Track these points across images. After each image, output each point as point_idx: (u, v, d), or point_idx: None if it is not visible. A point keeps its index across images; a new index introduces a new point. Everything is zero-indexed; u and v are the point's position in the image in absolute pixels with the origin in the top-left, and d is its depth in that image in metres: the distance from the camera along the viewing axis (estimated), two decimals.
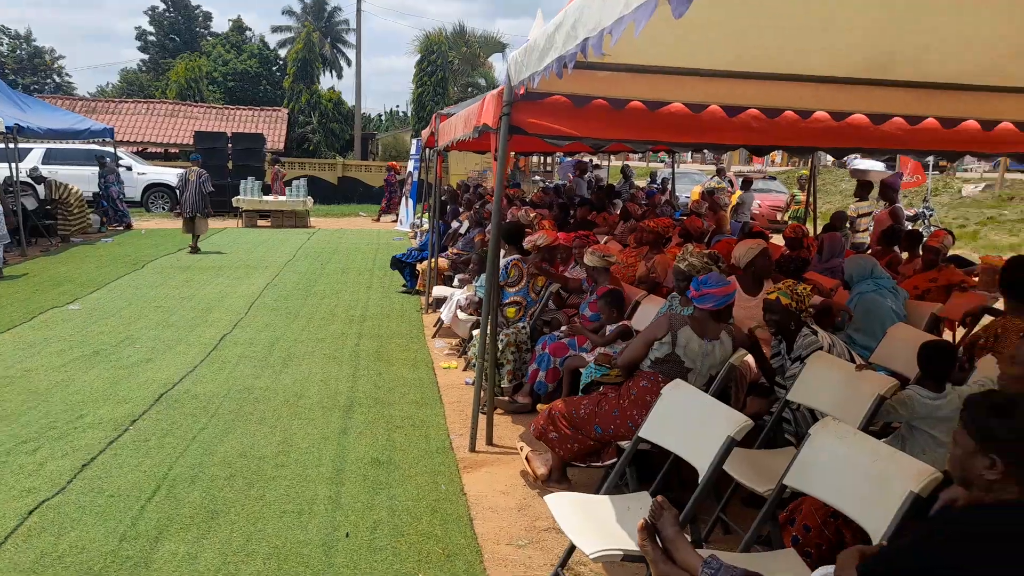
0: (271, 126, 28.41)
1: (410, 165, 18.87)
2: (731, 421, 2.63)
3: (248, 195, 17.95)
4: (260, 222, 18.15)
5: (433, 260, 9.02)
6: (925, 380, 3.36)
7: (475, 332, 6.05)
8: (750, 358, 4.22)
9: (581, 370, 4.98)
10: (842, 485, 2.38)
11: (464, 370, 6.52)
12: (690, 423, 2.85)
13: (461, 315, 6.70)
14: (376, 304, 9.33)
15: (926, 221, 16.66)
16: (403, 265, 10.34)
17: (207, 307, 8.82)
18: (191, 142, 22.51)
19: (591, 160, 18.61)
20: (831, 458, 2.47)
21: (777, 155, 38.02)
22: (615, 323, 4.94)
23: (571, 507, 2.89)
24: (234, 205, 18.18)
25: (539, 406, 5.27)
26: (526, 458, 4.18)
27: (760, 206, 18.86)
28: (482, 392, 4.80)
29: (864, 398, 3.17)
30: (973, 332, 4.31)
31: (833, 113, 4.55)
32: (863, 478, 2.32)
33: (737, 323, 4.13)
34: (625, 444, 3.65)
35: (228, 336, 7.46)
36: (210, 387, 5.83)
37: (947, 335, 5.56)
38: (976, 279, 6.22)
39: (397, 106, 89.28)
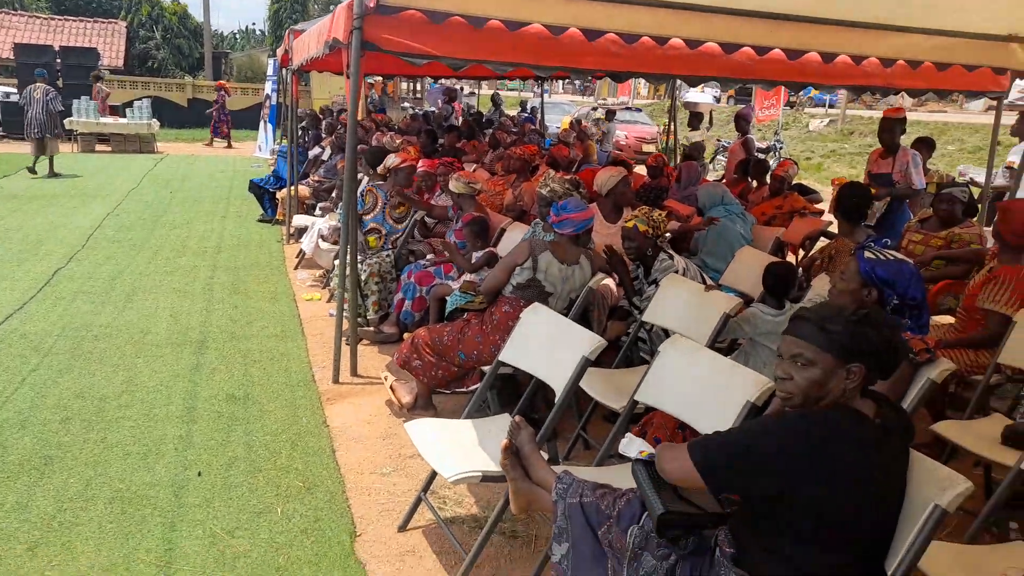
0: (107, 40, 25.76)
1: (267, 87, 17.74)
2: (585, 342, 2.67)
3: (83, 117, 16.29)
4: (99, 147, 16.58)
5: (293, 188, 8.59)
6: (768, 298, 3.57)
7: (338, 262, 5.85)
8: (610, 282, 4.34)
9: (448, 298, 4.94)
10: (687, 398, 2.49)
11: (328, 302, 6.33)
12: (547, 345, 2.88)
13: (323, 245, 6.45)
14: (232, 235, 8.82)
15: (777, 153, 17.67)
16: (261, 192, 9.79)
17: (37, 240, 8.00)
18: (12, 56, 20.03)
19: (461, 87, 18.24)
20: (678, 373, 2.57)
21: (643, 87, 38.87)
22: (481, 251, 4.91)
23: (432, 433, 2.88)
24: (67, 128, 16.46)
25: (406, 335, 5.20)
26: (391, 387, 4.13)
27: (627, 137, 19.30)
28: (344, 322, 4.67)
29: (712, 317, 3.32)
30: (811, 254, 4.62)
31: (688, 41, 4.61)
32: (706, 390, 2.44)
33: (597, 249, 4.21)
34: (488, 369, 3.68)
35: (63, 270, 6.83)
36: (42, 325, 5.33)
37: (790, 258, 5.95)
38: (818, 206, 6.67)
39: (253, 24, 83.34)
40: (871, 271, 2.54)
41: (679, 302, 3.55)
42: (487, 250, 4.91)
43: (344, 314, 4.71)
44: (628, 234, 4.02)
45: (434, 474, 2.98)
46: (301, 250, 7.32)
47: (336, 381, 4.59)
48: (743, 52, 4.75)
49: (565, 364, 2.69)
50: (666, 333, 4.03)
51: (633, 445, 2.09)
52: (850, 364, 1.78)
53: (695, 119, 11.88)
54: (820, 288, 3.66)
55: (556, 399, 2.69)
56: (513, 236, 5.15)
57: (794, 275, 3.55)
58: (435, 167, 6.40)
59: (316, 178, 9.12)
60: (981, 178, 7.50)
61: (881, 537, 1.72)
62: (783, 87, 19.37)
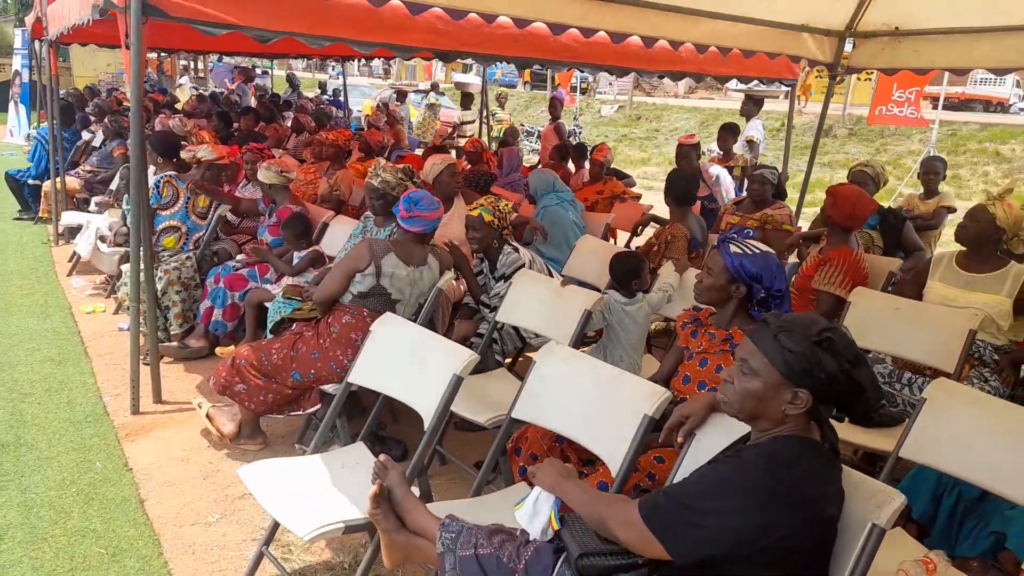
0: None
1: (16, 62, 15.27)
2: (455, 357, 2.35)
3: None
4: None
5: (59, 179, 7.33)
6: (618, 288, 3.46)
7: (125, 268, 5.00)
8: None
9: (266, 304, 4.36)
10: (573, 413, 2.27)
11: (116, 313, 5.42)
12: (407, 362, 2.52)
13: (103, 247, 5.51)
14: None
15: (577, 138, 18.34)
16: (18, 185, 8.28)
17: None
18: None
19: (254, 66, 16.88)
20: (559, 385, 2.34)
21: (440, 71, 38.56)
22: (303, 251, 4.38)
23: (273, 477, 2.42)
24: None
25: (219, 349, 4.55)
26: (207, 416, 3.54)
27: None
28: (141, 338, 3.94)
29: (571, 314, 3.14)
30: (647, 240, 4.62)
31: (517, 20, 4.39)
32: (594, 404, 2.22)
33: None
34: (331, 388, 3.23)
35: None
36: None
37: (618, 243, 6.00)
38: (633, 190, 6.81)
39: None
40: (739, 266, 2.46)
41: (534, 300, 3.33)
42: (311, 249, 4.39)
43: (141, 327, 3.97)
44: (473, 224, 3.73)
45: (277, 524, 2.52)
46: (75, 253, 6.24)
47: (136, 411, 3.87)
48: (569, 35, 4.62)
49: (431, 383, 2.35)
50: (517, 332, 3.82)
51: (538, 518, 1.79)
52: (798, 388, 1.60)
53: (466, 99, 12.46)
54: (667, 276, 3.62)
55: (426, 425, 2.34)
56: (337, 232, 4.67)
57: (643, 264, 3.47)
58: (238, 154, 5.69)
59: (88, 168, 7.87)
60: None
61: (823, 563, 1.59)
62: (576, 71, 20.13)
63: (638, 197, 6.75)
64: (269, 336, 3.78)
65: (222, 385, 3.30)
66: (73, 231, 6.91)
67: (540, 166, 8.79)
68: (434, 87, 14.76)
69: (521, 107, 29.52)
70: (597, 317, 3.20)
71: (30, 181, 8.15)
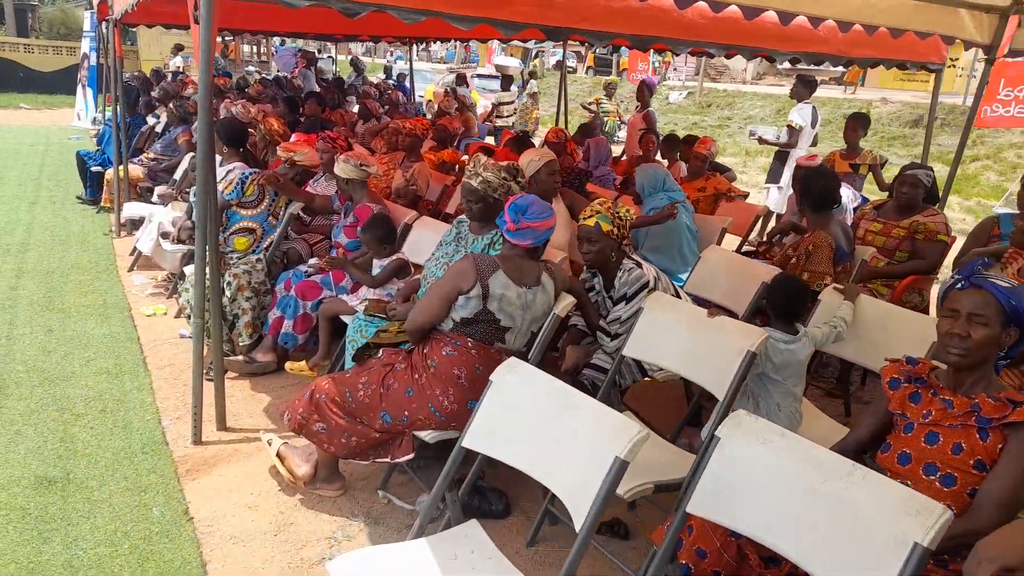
0: None
1: (84, 45, 15.22)
2: (614, 430, 1.75)
3: None
4: None
5: (122, 167, 6.97)
6: (776, 322, 2.80)
7: (188, 270, 4.55)
8: None
9: (343, 318, 3.84)
10: (765, 508, 1.64)
11: (177, 316, 4.99)
12: (544, 428, 1.93)
13: (166, 244, 5.08)
14: (44, 226, 7.08)
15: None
16: (85, 166, 8.00)
17: None
18: None
19: (317, 50, 16.51)
20: (747, 471, 1.72)
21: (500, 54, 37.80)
22: (387, 257, 3.83)
23: (370, 573, 1.87)
24: None
25: (288, 364, 4.05)
26: (278, 455, 3.03)
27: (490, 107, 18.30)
28: (205, 350, 3.44)
29: (726, 353, 2.51)
30: (783, 251, 3.94)
31: None
32: (797, 497, 1.60)
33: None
34: (427, 434, 2.68)
35: None
36: None
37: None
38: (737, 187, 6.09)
39: None
40: (1018, 306, 1.82)
41: (673, 332, 2.71)
42: (395, 257, 3.84)
43: (205, 341, 3.48)
44: (589, 235, 3.12)
45: None
46: (136, 248, 5.86)
47: (197, 440, 3.39)
48: (696, 9, 3.93)
49: (581, 464, 1.76)
50: (638, 362, 3.20)
51: None
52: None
53: (506, 81, 12.28)
54: (833, 304, 2.95)
55: (576, 524, 1.75)
56: (422, 237, 4.11)
57: (807, 292, 2.81)
58: (314, 143, 5.18)
59: (151, 155, 7.51)
60: (770, 136, 8.15)
61: None
62: (652, 55, 19.18)
63: (745, 195, 6.03)
64: (351, 364, 3.24)
65: (298, 423, 2.77)
66: (135, 223, 6.56)
67: (623, 158, 8.13)
68: (532, 74, 14.28)
69: (584, 93, 28.71)
70: (761, 359, 2.56)
71: (93, 168, 7.84)
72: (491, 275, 2.63)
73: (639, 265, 3.19)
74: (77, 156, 8.02)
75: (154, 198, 6.65)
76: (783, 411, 2.73)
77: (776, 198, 7.85)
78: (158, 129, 8.26)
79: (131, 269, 5.97)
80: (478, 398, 2.64)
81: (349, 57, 20.09)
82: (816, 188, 3.91)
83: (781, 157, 8.04)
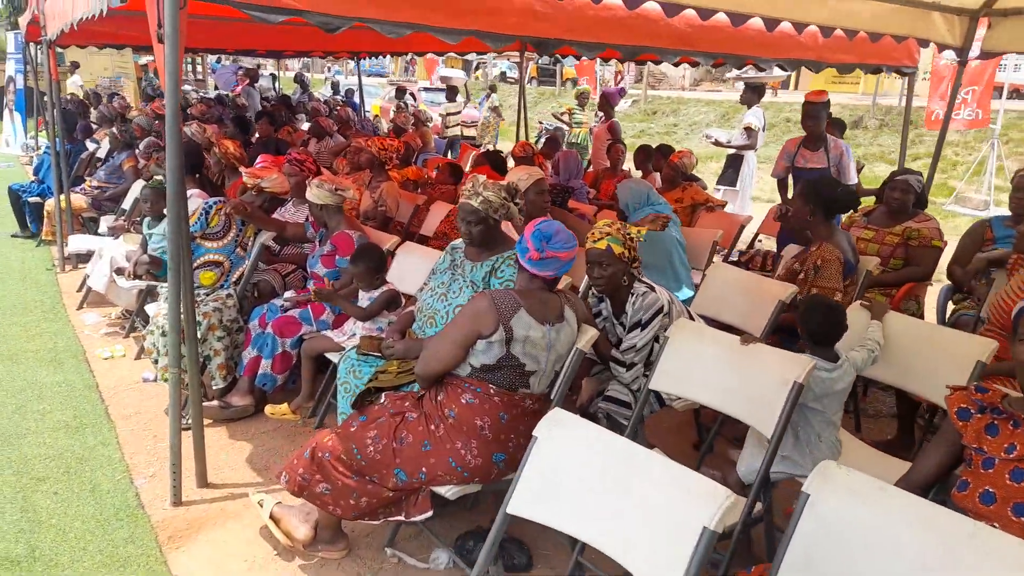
0: None
1: (10, 67, 14.45)
2: (703, 497, 1.55)
3: None
4: None
5: (63, 197, 6.51)
6: (815, 348, 2.65)
7: (150, 309, 4.20)
8: None
9: (328, 355, 3.57)
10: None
11: (138, 358, 4.62)
12: (606, 493, 1.72)
13: (121, 281, 4.70)
14: None
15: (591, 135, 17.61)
16: (19, 201, 7.45)
17: None
18: None
19: (258, 65, 16.02)
20: (846, 539, 1.54)
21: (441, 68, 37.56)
22: (375, 288, 3.57)
23: None
24: None
25: (268, 408, 3.75)
26: (272, 517, 2.74)
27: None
28: (181, 395, 3.12)
29: (770, 384, 2.34)
30: (787, 264, 3.82)
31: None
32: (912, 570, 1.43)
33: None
34: (446, 490, 2.44)
35: None
36: None
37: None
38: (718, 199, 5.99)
39: None
40: None
41: (707, 364, 2.53)
42: (386, 289, 3.57)
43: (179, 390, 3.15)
44: (599, 258, 2.93)
45: None
46: (87, 285, 5.44)
47: (178, 501, 3.07)
48: (683, 18, 3.83)
49: (663, 538, 1.56)
50: (658, 396, 3.03)
51: None
52: None
53: (451, 92, 12.52)
54: (861, 323, 2.82)
55: None
56: (407, 264, 3.87)
57: (844, 315, 2.67)
58: (281, 166, 4.87)
59: (95, 183, 7.06)
60: (725, 139, 8.50)
61: None
62: (596, 63, 19.20)
63: (723, 204, 5.95)
64: (346, 410, 2.98)
65: (298, 485, 2.50)
66: (81, 257, 6.12)
67: (589, 169, 8.01)
68: (492, 88, 14.11)
69: (529, 104, 28.72)
70: (810, 389, 2.41)
71: (31, 199, 7.33)
72: (513, 315, 2.41)
73: (652, 289, 3.02)
74: (9, 190, 7.46)
75: (101, 229, 6.23)
76: (824, 441, 2.58)
77: (735, 202, 7.88)
78: (100, 155, 7.80)
79: (81, 307, 5.55)
80: (504, 449, 2.44)
81: (285, 73, 19.55)
82: (828, 189, 3.79)
83: (735, 161, 8.12)
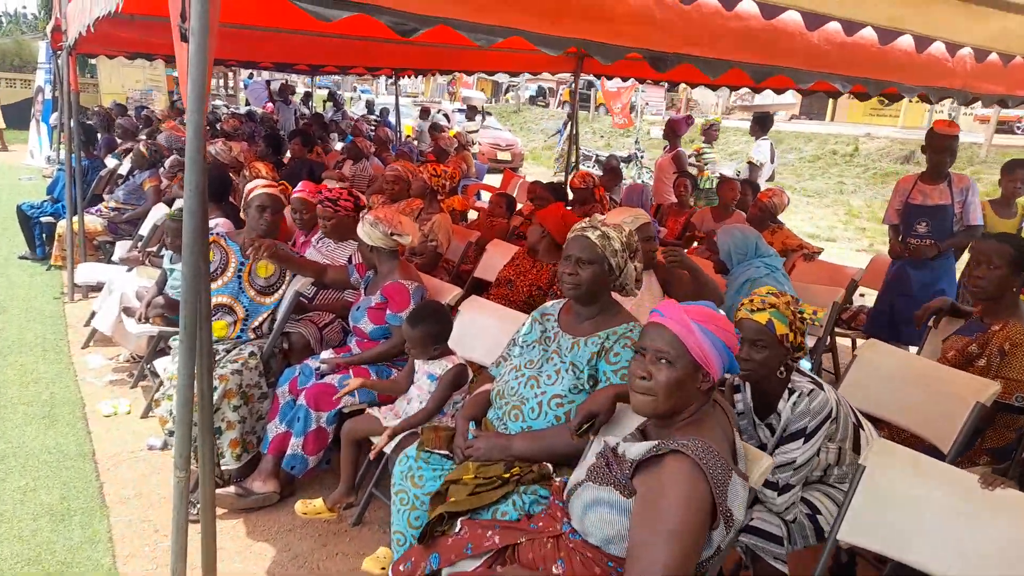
0: None
1: (39, 77, 14.07)
2: None
3: None
4: None
5: (76, 218, 5.88)
6: None
7: (163, 364, 3.51)
8: None
9: (374, 440, 2.84)
10: None
11: (144, 416, 3.93)
12: None
13: (130, 324, 4.01)
14: None
15: (638, 163, 17.01)
16: (28, 220, 6.85)
17: None
18: None
19: (286, 81, 15.51)
20: None
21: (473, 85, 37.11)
22: (435, 357, 2.83)
23: None
24: None
25: (300, 506, 2.98)
26: None
27: (479, 144, 17.41)
28: (190, 478, 2.40)
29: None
30: (949, 346, 3.00)
31: (763, 6, 2.87)
32: None
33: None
34: None
35: None
36: None
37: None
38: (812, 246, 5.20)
39: (24, 7, 72.96)
40: None
41: (929, 515, 1.76)
42: (455, 364, 2.83)
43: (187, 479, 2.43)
44: (756, 336, 2.20)
45: None
46: (93, 322, 4.77)
47: None
48: (823, 32, 3.10)
49: None
50: (814, 521, 2.26)
51: None
52: None
53: (471, 112, 13.54)
54: None
55: None
56: (470, 324, 3.14)
57: None
58: (315, 196, 4.20)
59: (112, 204, 6.44)
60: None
61: None
62: (638, 84, 18.50)
63: (819, 251, 5.17)
64: (403, 529, 2.25)
65: None
66: (90, 287, 5.49)
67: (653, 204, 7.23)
68: (571, 117, 13.42)
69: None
70: None
71: (43, 219, 6.73)
72: (727, 487, 1.62)
73: (819, 385, 2.26)
74: (18, 210, 6.85)
75: (115, 257, 5.59)
76: None
77: None
78: (122, 171, 7.20)
79: (86, 345, 4.89)
80: None
81: (305, 91, 18.98)
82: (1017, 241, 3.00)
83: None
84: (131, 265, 4.67)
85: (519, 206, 6.30)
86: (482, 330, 3.07)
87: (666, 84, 8.30)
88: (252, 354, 3.28)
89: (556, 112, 30.67)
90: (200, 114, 1.94)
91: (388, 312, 3.20)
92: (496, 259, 4.45)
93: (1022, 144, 18.38)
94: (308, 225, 4.25)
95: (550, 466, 2.21)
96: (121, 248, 5.63)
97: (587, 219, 2.36)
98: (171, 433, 3.12)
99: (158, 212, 5.32)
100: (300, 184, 4.21)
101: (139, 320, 3.97)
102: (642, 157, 17.09)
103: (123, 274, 4.67)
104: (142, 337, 4.14)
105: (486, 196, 7.72)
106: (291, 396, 3.19)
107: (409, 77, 13.29)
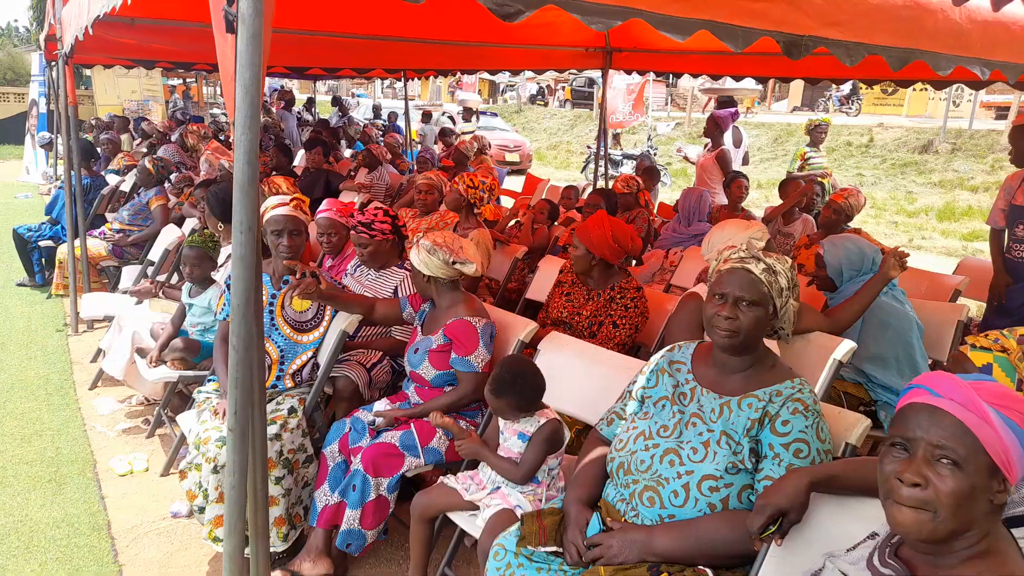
0: None
1: (33, 90, 13.57)
2: None
3: None
4: None
5: (77, 243, 5.37)
6: None
7: (187, 421, 3.00)
8: None
9: (453, 518, 2.32)
10: None
11: (165, 474, 3.43)
12: None
13: (144, 368, 3.50)
14: None
15: (651, 161, 16.49)
16: (26, 244, 6.34)
17: None
18: None
19: (282, 87, 14.96)
20: None
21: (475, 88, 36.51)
22: (524, 416, 2.32)
23: None
24: None
25: None
26: None
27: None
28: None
29: None
30: None
31: None
32: None
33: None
34: None
35: None
36: None
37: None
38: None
39: (15, 20, 72.40)
40: None
41: None
42: (547, 420, 2.31)
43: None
44: None
45: None
46: (101, 361, 4.27)
47: None
48: (965, 10, 2.61)
49: None
50: None
51: None
52: None
53: (467, 113, 13.40)
54: None
55: None
56: (555, 365, 2.63)
57: None
58: (346, 215, 3.69)
59: (117, 225, 5.93)
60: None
61: None
62: (650, 87, 17.95)
63: (907, 256, 4.64)
64: None
65: None
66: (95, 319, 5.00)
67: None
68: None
69: (565, 127, 27.55)
70: None
71: (41, 243, 6.22)
72: None
73: None
74: (14, 234, 6.34)
75: (122, 285, 5.08)
76: None
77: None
78: (125, 189, 6.70)
79: (94, 386, 4.39)
80: None
81: (308, 96, 18.40)
82: None
83: None
84: (143, 298, 4.15)
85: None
86: (567, 374, 2.57)
87: (670, 77, 7.98)
88: (292, 410, 2.77)
89: (557, 111, 30.17)
90: (254, 133, 1.45)
91: (453, 355, 2.69)
92: (549, 278, 3.92)
93: None
94: (336, 248, 3.75)
95: (709, 572, 1.71)
96: (128, 274, 5.13)
97: (738, 245, 1.86)
98: (201, 509, 2.62)
99: (168, 235, 4.83)
100: (325, 202, 3.71)
101: (152, 363, 3.46)
102: (655, 154, 16.55)
103: (132, 307, 4.17)
104: (157, 378, 3.64)
105: (506, 201, 7.20)
106: (342, 457, 2.69)
107: (412, 79, 12.77)
